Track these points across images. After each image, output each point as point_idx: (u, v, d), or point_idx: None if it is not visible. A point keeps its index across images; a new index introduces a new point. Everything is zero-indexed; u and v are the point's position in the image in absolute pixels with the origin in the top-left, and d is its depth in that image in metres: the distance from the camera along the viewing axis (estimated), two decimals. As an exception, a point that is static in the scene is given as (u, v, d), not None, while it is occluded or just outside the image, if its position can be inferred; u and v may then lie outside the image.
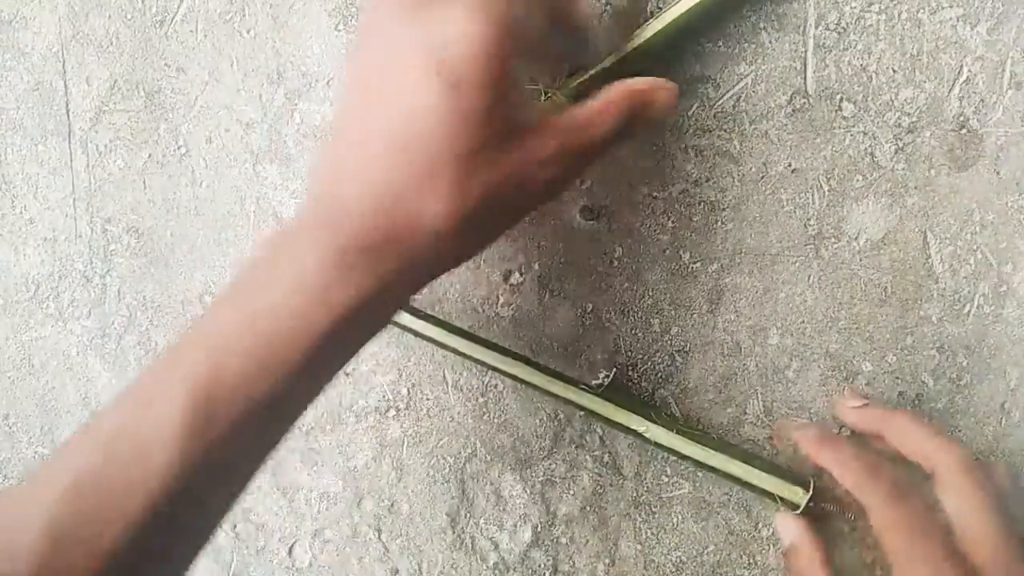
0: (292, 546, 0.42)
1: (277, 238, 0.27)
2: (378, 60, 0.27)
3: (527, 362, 0.39)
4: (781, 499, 0.36)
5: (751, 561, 0.42)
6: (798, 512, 0.36)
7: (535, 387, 0.38)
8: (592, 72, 0.36)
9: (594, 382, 0.39)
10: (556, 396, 0.38)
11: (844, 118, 0.38)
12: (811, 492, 0.36)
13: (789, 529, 0.36)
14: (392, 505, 0.42)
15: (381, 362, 0.41)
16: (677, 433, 0.37)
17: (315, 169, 0.29)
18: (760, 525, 0.42)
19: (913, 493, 0.32)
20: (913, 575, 0.30)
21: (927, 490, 0.33)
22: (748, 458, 0.38)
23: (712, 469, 0.37)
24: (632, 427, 0.38)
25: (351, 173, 0.27)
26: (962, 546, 0.31)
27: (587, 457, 0.41)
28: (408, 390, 0.41)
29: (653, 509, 0.41)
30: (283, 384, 0.26)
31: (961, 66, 0.38)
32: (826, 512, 0.38)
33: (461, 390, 0.41)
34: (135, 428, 0.25)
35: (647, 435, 0.38)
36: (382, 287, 0.26)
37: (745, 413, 0.41)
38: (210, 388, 0.25)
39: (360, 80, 0.28)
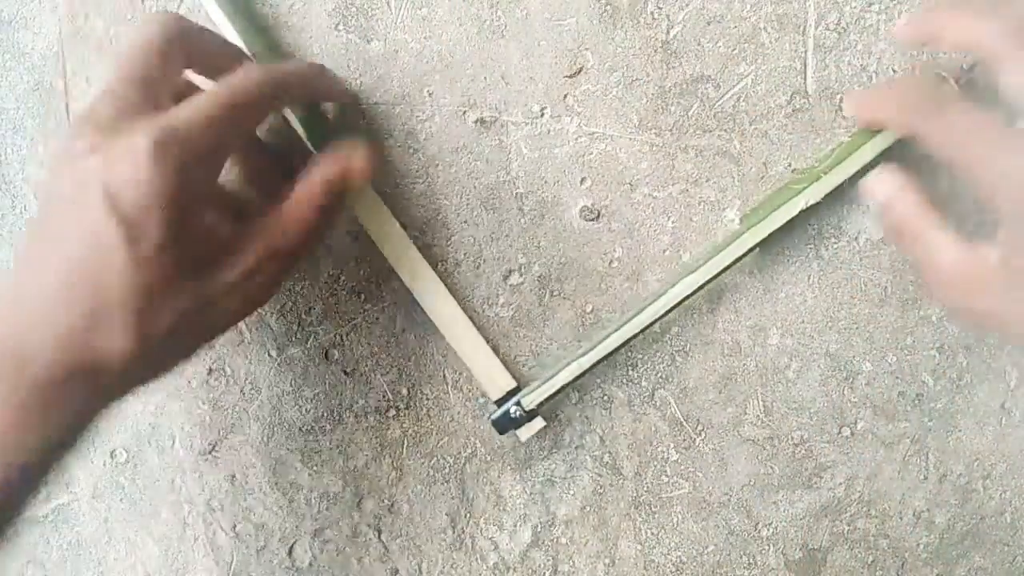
0: (292, 546, 0.42)
1: None
2: (61, 190, 0.28)
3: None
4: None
5: (751, 561, 0.42)
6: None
7: None
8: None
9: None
10: None
11: (844, 118, 0.38)
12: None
13: (885, 182, 0.32)
14: (392, 505, 0.42)
15: (381, 362, 0.41)
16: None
17: None
18: (760, 525, 0.42)
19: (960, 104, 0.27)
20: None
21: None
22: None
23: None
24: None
25: (31, 310, 0.27)
26: None
27: (587, 457, 0.41)
28: (408, 390, 0.41)
29: (653, 509, 0.41)
30: None
31: (960, 66, 0.38)
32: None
33: (461, 390, 0.41)
34: None
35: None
36: (71, 416, 0.28)
37: (745, 413, 0.41)
38: None
39: (44, 209, 0.29)
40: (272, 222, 0.30)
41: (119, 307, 0.26)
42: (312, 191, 0.31)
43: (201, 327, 0.30)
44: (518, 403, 0.38)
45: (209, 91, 0.29)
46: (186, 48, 0.30)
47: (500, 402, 0.39)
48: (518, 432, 0.39)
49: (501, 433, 0.39)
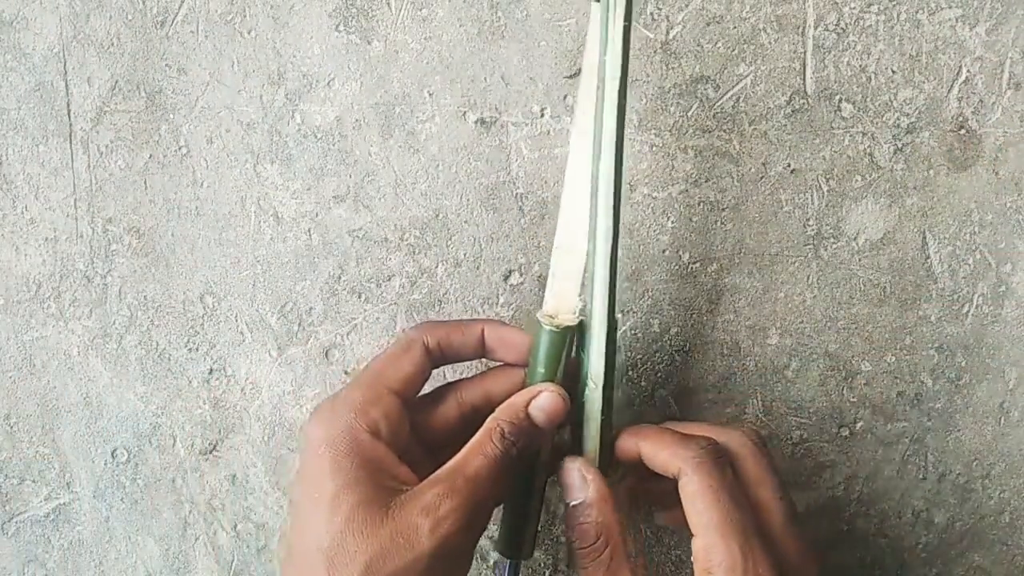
0: (293, 545, 0.42)
1: None
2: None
3: None
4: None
5: (750, 560, 0.42)
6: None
7: None
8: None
9: None
10: None
11: (843, 118, 0.38)
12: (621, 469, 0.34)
13: (586, 480, 0.32)
14: (392, 504, 0.42)
15: (381, 362, 0.41)
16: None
17: None
18: (759, 524, 0.42)
19: (725, 460, 0.31)
20: (723, 548, 0.29)
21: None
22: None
23: None
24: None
25: None
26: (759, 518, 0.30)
27: (587, 457, 0.41)
28: (408, 390, 0.41)
29: (653, 509, 0.42)
30: None
31: (960, 67, 0.38)
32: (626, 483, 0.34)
33: (461, 390, 0.41)
34: None
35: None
36: None
37: (745, 412, 0.41)
38: None
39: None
40: (454, 460, 0.31)
41: (308, 567, 0.29)
42: (493, 420, 0.32)
43: (393, 571, 0.29)
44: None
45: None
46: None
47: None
48: None
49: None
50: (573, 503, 0.32)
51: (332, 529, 0.28)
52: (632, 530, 0.32)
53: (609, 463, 0.33)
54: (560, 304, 0.34)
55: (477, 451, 0.31)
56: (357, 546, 0.28)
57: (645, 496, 0.35)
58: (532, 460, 0.34)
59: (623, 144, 0.31)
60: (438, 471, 0.30)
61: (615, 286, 0.32)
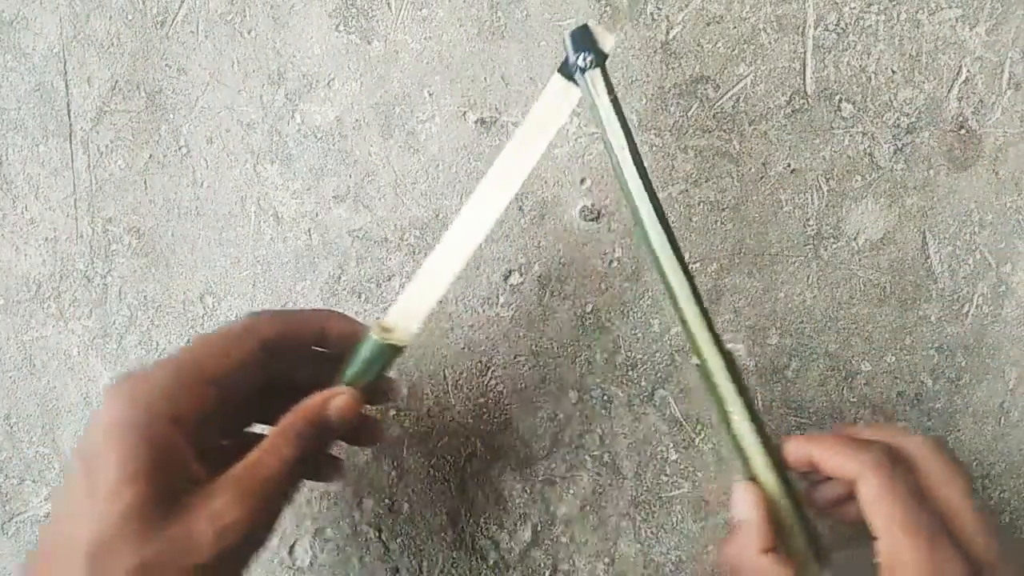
0: (293, 545, 0.42)
1: None
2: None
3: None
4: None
5: (750, 560, 0.42)
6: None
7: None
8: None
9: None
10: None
11: (843, 118, 0.38)
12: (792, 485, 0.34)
13: (749, 502, 0.32)
14: (392, 504, 0.42)
15: (381, 362, 0.41)
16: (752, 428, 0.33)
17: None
18: (759, 524, 0.42)
19: (904, 463, 0.30)
20: (909, 546, 0.28)
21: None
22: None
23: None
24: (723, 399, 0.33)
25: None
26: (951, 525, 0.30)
27: (586, 457, 0.41)
28: (408, 389, 0.41)
29: (653, 509, 0.42)
30: None
31: (960, 67, 0.38)
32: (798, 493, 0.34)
33: (461, 390, 0.41)
34: None
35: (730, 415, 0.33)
36: None
37: (744, 413, 0.41)
38: None
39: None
40: (247, 459, 0.28)
41: (75, 559, 0.25)
42: (288, 422, 0.30)
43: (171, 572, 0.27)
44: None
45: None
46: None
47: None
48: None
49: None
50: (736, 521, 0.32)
51: (104, 526, 0.25)
52: (809, 531, 0.32)
53: (781, 476, 0.33)
54: (401, 323, 0.33)
55: (271, 452, 0.29)
56: (128, 550, 0.25)
57: (816, 502, 0.34)
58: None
59: (663, 210, 0.32)
60: (230, 471, 0.28)
61: (712, 326, 0.32)
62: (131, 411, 0.26)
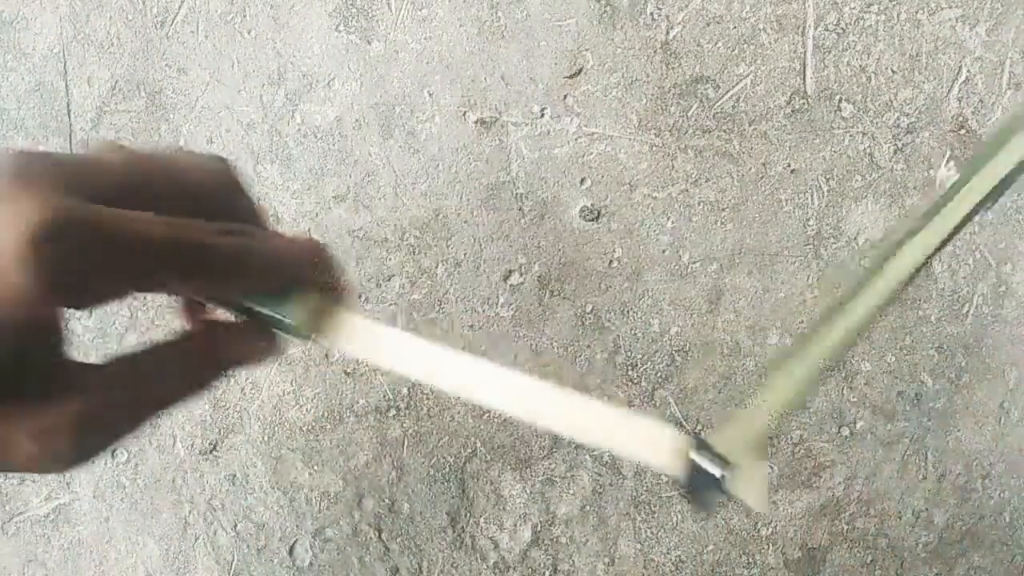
0: (293, 545, 0.42)
1: None
2: None
3: None
4: None
5: (751, 561, 0.42)
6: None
7: None
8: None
9: None
10: None
11: (843, 118, 0.38)
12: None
13: None
14: (392, 504, 0.42)
15: (381, 362, 0.41)
16: None
17: None
18: (759, 525, 0.42)
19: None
20: None
21: None
22: None
23: None
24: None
25: None
26: None
27: (586, 457, 0.41)
28: (408, 390, 0.41)
29: (653, 509, 0.42)
30: None
31: (960, 67, 0.38)
32: None
33: (461, 390, 0.41)
34: None
35: None
36: None
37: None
38: None
39: None
40: (117, 375, 0.20)
41: None
42: (188, 339, 0.21)
43: None
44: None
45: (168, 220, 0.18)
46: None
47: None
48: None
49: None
50: None
51: None
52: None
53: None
54: (347, 341, 0.19)
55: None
56: None
57: None
58: None
59: None
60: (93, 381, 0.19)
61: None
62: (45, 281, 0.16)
